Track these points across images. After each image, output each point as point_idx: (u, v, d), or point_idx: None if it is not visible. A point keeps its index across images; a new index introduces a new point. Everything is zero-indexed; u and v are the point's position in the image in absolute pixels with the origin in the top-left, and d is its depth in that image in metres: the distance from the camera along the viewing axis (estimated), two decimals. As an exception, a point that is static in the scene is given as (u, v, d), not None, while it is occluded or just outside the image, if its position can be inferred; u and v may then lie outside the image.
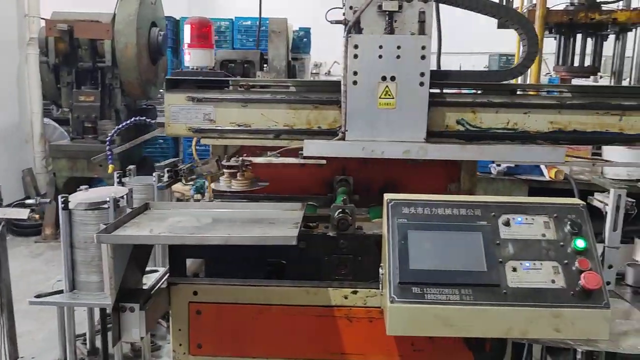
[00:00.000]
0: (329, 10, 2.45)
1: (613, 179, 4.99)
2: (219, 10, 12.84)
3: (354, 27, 2.32)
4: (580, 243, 1.87)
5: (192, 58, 3.41)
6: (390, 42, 2.27)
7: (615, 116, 2.49)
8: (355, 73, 2.29)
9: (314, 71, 15.15)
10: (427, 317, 1.80)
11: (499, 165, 4.88)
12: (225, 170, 2.48)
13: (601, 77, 7.77)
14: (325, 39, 14.29)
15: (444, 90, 2.61)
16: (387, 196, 2.03)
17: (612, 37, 5.67)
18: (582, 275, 1.80)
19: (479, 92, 2.74)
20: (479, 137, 2.54)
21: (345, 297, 2.20)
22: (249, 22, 9.02)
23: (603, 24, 5.54)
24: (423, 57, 2.28)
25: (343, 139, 2.35)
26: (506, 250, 1.88)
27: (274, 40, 7.45)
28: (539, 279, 1.83)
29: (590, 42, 5.62)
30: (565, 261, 1.86)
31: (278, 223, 2.11)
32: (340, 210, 2.18)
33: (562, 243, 1.89)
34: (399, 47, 2.27)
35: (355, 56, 2.28)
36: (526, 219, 1.95)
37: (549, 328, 1.80)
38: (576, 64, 5.76)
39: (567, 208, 1.97)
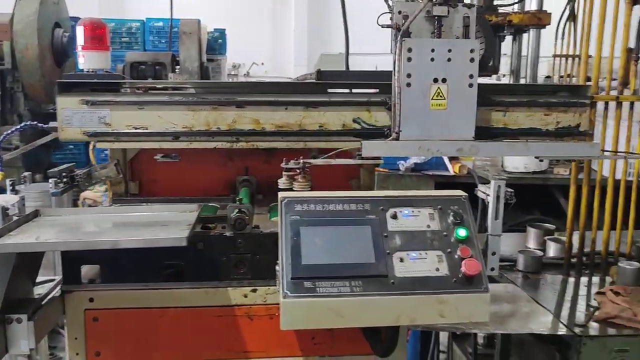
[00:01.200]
0: (380, 16, 2.45)
1: (511, 172, 5.30)
2: (130, 11, 12.47)
3: (404, 32, 2.34)
4: (461, 232, 1.98)
5: (86, 61, 3.33)
6: (441, 45, 2.33)
7: (499, 112, 2.66)
8: (409, 75, 2.33)
9: (233, 72, 15.03)
10: (319, 310, 1.85)
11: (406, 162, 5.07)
12: (284, 173, 2.43)
13: (504, 75, 8.19)
14: (243, 41, 14.28)
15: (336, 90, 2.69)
16: (281, 194, 2.07)
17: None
18: (463, 262, 1.91)
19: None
20: (374, 135, 2.64)
21: (245, 296, 2.22)
22: (160, 23, 8.83)
23: (500, 25, 5.83)
24: (472, 60, 2.35)
25: (397, 139, 2.37)
26: (393, 242, 1.96)
27: (185, 42, 7.32)
28: (425, 268, 1.93)
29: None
30: (449, 250, 1.96)
31: (172, 225, 2.10)
32: (236, 210, 2.20)
33: (445, 233, 2.00)
34: (449, 51, 2.33)
35: (409, 59, 2.32)
36: (412, 211, 2.04)
37: (434, 314, 1.89)
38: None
39: (450, 200, 2.08)
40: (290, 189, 2.40)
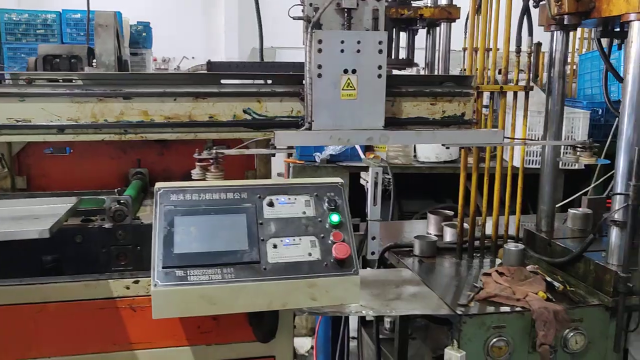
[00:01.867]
0: (291, 8, 2.45)
1: (423, 162, 5.46)
2: (49, 2, 12.00)
3: (315, 24, 2.39)
4: (335, 218, 2.04)
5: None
6: (351, 37, 2.38)
7: (388, 102, 2.74)
8: (319, 66, 2.37)
9: (163, 67, 14.76)
10: (190, 297, 1.87)
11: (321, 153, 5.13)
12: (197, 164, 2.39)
13: (423, 68, 8.37)
14: (174, 35, 14.00)
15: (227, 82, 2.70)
16: (157, 184, 2.06)
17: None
18: (334, 246, 1.97)
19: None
20: (265, 125, 2.68)
21: (127, 288, 2.20)
22: (78, 15, 8.57)
23: (412, 19, 5.96)
24: (380, 51, 2.42)
25: (310, 128, 2.41)
26: (268, 229, 2.00)
27: (101, 35, 7.12)
28: (298, 254, 1.98)
29: (405, 36, 6.04)
30: (322, 235, 2.02)
31: (42, 218, 2.07)
32: (116, 201, 2.18)
33: (320, 219, 2.05)
34: (359, 42, 2.39)
35: (320, 50, 2.36)
36: (289, 199, 2.08)
37: (306, 298, 1.95)
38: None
39: (327, 186, 2.13)
40: (204, 180, 2.39)
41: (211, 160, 2.41)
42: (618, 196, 2.59)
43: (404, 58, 6.49)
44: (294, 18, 2.57)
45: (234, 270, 1.91)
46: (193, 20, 15.48)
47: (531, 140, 3.34)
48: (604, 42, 3.09)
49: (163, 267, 1.87)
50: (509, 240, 3.23)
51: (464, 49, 6.02)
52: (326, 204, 2.08)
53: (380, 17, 2.54)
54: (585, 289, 2.71)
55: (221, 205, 2.03)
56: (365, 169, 5.32)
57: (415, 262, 3.16)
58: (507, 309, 2.55)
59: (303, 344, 4.65)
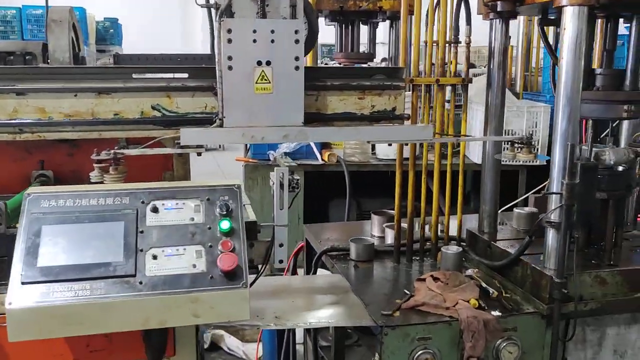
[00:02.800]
0: None
1: (382, 159, 5.27)
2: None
3: (225, 11, 2.20)
4: (224, 224, 1.85)
5: None
6: (263, 26, 2.20)
7: (311, 96, 2.54)
8: (230, 58, 2.19)
9: (138, 64, 14.55)
10: (52, 317, 1.68)
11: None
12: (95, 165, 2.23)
13: (386, 62, 8.21)
14: (150, 31, 13.76)
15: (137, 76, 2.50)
16: (28, 190, 1.86)
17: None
18: (219, 257, 1.77)
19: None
20: (176, 122, 2.48)
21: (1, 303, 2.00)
22: (40, 11, 8.33)
23: (372, 11, 5.76)
24: (297, 42, 2.24)
25: (221, 125, 2.23)
26: (149, 238, 1.81)
27: (55, 31, 6.87)
28: (180, 265, 1.79)
29: (366, 29, 5.84)
30: (210, 244, 1.83)
31: None
32: (-11, 208, 1.97)
33: (209, 226, 1.86)
34: (272, 32, 2.20)
35: (229, 41, 2.18)
36: (177, 204, 1.89)
37: (187, 314, 1.76)
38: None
39: (221, 190, 1.94)
40: (102, 182, 2.21)
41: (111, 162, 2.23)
42: (554, 196, 2.41)
43: (364, 52, 6.31)
44: (201, 6, 2.38)
45: (104, 285, 1.71)
46: (169, 15, 15.26)
47: (466, 136, 3.15)
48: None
49: (23, 283, 1.67)
50: (452, 241, 3.05)
51: (425, 42, 5.85)
52: (218, 209, 1.88)
53: (299, 5, 2.36)
54: (522, 295, 2.53)
55: (97, 212, 1.83)
56: (321, 167, 5.15)
57: (350, 267, 2.97)
58: (435, 318, 2.36)
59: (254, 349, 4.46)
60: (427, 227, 3.06)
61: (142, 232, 1.81)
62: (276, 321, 2.19)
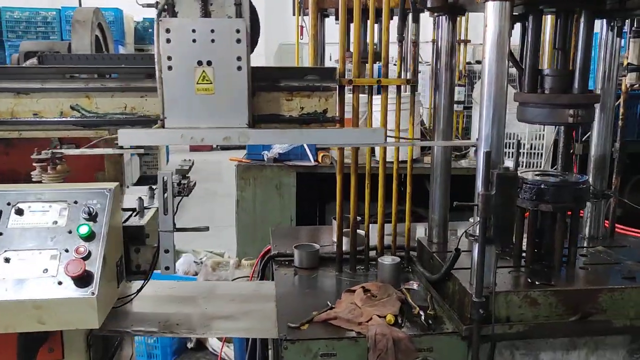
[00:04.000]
0: None
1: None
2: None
3: (168, 10, 2.21)
4: (83, 229, 1.80)
5: None
6: (203, 25, 2.18)
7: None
8: (169, 58, 2.18)
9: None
10: None
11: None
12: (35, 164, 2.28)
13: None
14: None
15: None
16: None
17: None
18: (66, 263, 1.73)
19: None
20: (97, 123, 2.48)
21: None
22: (78, 12, 8.62)
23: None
24: (239, 41, 2.20)
25: (163, 126, 2.23)
26: (7, 240, 1.79)
27: (79, 31, 7.11)
28: (31, 270, 1.75)
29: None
30: (66, 249, 1.78)
31: None
32: None
33: (70, 230, 1.82)
34: (213, 31, 2.18)
35: (168, 40, 2.17)
36: (43, 206, 1.86)
37: (32, 321, 1.72)
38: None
39: (91, 193, 1.90)
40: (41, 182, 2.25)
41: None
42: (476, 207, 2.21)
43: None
44: (143, 5, 2.34)
45: (-53, 289, 1.70)
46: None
47: (418, 139, 2.97)
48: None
49: None
50: (399, 250, 2.89)
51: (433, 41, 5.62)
52: (82, 213, 1.84)
53: (244, 4, 2.28)
54: (447, 314, 2.35)
55: (-40, 213, 1.83)
56: (314, 168, 5.03)
57: (290, 274, 2.86)
58: (342, 334, 2.23)
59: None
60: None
61: (1, 234, 1.79)
62: (164, 329, 2.13)
